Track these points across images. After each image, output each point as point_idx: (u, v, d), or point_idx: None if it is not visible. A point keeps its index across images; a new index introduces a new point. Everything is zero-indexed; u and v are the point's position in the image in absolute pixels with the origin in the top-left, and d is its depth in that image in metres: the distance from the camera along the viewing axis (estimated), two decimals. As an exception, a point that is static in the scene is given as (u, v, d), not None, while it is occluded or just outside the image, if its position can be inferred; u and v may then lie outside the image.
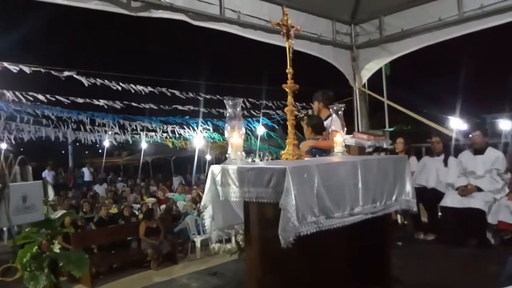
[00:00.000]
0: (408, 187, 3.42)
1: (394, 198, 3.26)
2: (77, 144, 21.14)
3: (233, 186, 2.73)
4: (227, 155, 2.96)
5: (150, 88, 11.39)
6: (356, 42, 7.46)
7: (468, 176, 5.83)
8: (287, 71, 3.25)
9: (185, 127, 16.79)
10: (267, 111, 15.58)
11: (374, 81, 8.25)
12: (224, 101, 3.08)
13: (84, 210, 10.25)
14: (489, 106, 19.61)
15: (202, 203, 2.94)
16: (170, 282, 5.64)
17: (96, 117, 14.44)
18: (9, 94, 10.62)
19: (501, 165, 5.65)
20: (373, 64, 7.51)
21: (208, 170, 2.96)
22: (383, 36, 7.00)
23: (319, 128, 4.49)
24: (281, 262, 2.56)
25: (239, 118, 3.03)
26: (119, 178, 23.27)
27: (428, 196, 5.96)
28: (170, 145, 19.60)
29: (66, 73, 9.52)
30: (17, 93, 10.84)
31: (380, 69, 8.48)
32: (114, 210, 9.79)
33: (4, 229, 9.00)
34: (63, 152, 29.17)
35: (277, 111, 15.53)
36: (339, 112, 3.83)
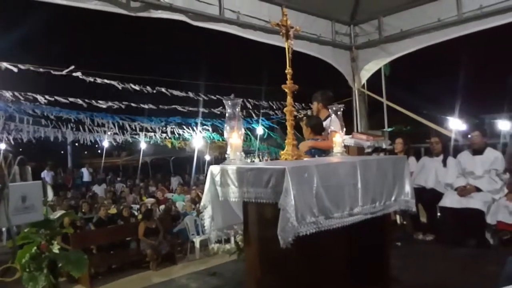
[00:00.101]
0: (407, 188, 3.42)
1: (393, 198, 3.26)
2: (76, 144, 21.16)
3: (232, 187, 2.73)
4: (226, 156, 2.97)
5: (149, 88, 11.39)
6: (355, 43, 7.46)
7: (467, 177, 5.84)
8: (286, 71, 3.26)
9: (184, 127, 16.79)
10: (267, 111, 15.59)
11: (373, 81, 8.26)
12: (224, 101, 3.08)
13: (83, 210, 10.24)
14: (488, 106, 19.64)
15: (201, 204, 2.94)
16: (169, 282, 5.63)
17: (95, 117, 14.43)
18: (8, 95, 10.61)
19: (500, 166, 5.67)
20: (372, 65, 7.51)
21: (207, 170, 2.96)
22: (383, 37, 7.01)
23: (318, 129, 4.50)
24: (280, 263, 2.56)
25: (239, 119, 3.03)
26: (118, 179, 23.25)
27: (427, 197, 5.96)
28: (169, 145, 19.60)
29: (65, 73, 9.52)
30: (16, 93, 10.83)
31: (379, 70, 8.48)
32: (113, 210, 9.78)
33: (3, 229, 8.99)
34: (62, 152, 29.14)
35: (276, 112, 15.54)
36: (338, 113, 3.83)
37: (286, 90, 3.25)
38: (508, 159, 5.95)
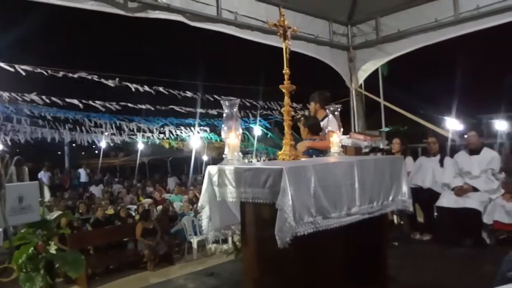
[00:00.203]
0: (404, 187, 3.43)
1: (390, 198, 3.27)
2: (74, 145, 21.12)
3: (230, 187, 2.73)
4: (224, 156, 2.97)
5: (147, 88, 11.37)
6: (352, 43, 7.48)
7: (464, 176, 5.86)
8: (283, 72, 3.26)
9: (182, 127, 16.78)
10: (264, 111, 15.59)
11: (371, 81, 8.28)
12: (221, 101, 3.08)
13: (80, 211, 10.22)
14: (485, 106, 19.72)
15: (199, 204, 2.94)
16: (167, 283, 5.63)
17: (92, 117, 14.40)
18: (5, 95, 10.58)
19: (497, 165, 5.68)
20: (370, 65, 7.53)
21: (205, 170, 2.96)
22: (380, 37, 7.03)
23: (315, 129, 4.50)
24: (277, 263, 2.56)
25: (236, 119, 3.03)
26: (116, 179, 23.20)
27: (424, 196, 5.98)
28: (167, 146, 19.59)
29: (62, 74, 9.50)
30: (13, 94, 10.80)
31: (377, 70, 8.51)
32: (110, 211, 9.75)
33: (0, 230, 8.96)
34: (59, 153, 29.07)
35: (273, 112, 15.55)
36: (336, 113, 3.84)
37: (284, 91, 3.25)
38: (504, 159, 5.98)
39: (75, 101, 11.91)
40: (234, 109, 3.04)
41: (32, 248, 2.98)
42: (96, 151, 27.11)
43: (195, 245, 8.52)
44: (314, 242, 2.52)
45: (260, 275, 2.71)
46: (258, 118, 16.31)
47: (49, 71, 9.44)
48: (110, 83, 10.18)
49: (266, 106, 14.88)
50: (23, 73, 8.85)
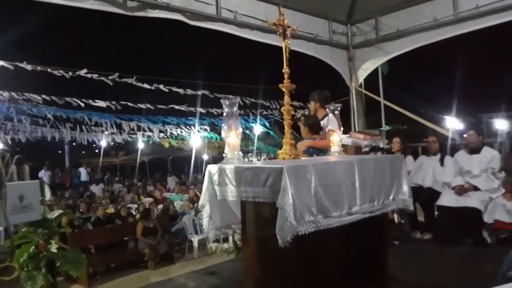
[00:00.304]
0: (405, 187, 3.43)
1: (391, 197, 3.27)
2: (74, 144, 21.11)
3: (230, 186, 2.73)
4: (224, 155, 2.97)
5: (147, 86, 11.35)
6: (352, 42, 7.47)
7: (464, 176, 5.86)
8: (283, 71, 3.26)
9: (182, 126, 16.78)
10: (264, 110, 15.59)
11: (371, 80, 8.28)
12: (221, 100, 3.08)
13: (81, 210, 10.23)
14: (485, 105, 19.69)
15: (199, 203, 2.95)
16: (168, 282, 5.64)
17: (93, 116, 14.40)
18: (5, 94, 10.59)
19: (497, 164, 5.68)
20: (369, 64, 7.53)
21: (205, 169, 2.97)
22: (379, 36, 7.02)
23: (316, 128, 4.51)
24: (278, 262, 2.56)
25: (236, 118, 3.03)
26: (116, 178, 23.22)
27: (425, 196, 5.98)
28: (167, 145, 19.58)
29: (62, 73, 9.50)
30: (13, 93, 10.80)
31: (377, 69, 8.51)
32: (111, 210, 9.77)
33: (1, 228, 8.97)
34: (59, 152, 29.07)
35: (273, 111, 15.55)
36: (336, 112, 3.84)
37: (284, 90, 3.26)
38: (504, 158, 5.98)
39: (75, 100, 11.90)
40: (234, 108, 3.04)
41: (33, 247, 2.99)
42: (97, 150, 27.10)
43: (195, 244, 8.53)
44: (314, 241, 2.52)
45: (261, 274, 2.71)
46: (258, 117, 16.31)
47: (49, 70, 9.44)
48: (109, 80, 10.17)
49: (266, 105, 14.87)
50: (24, 72, 8.85)
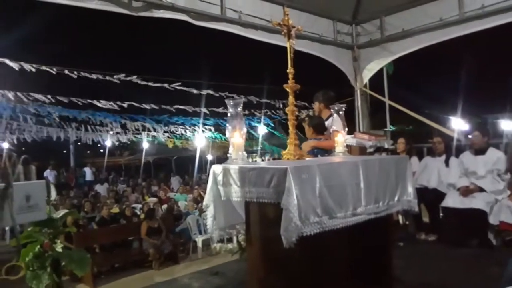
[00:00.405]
0: (410, 188, 3.42)
1: (396, 198, 3.26)
2: (79, 143, 21.19)
3: (235, 186, 2.73)
4: (228, 155, 2.97)
5: (152, 86, 11.37)
6: (357, 42, 7.45)
7: (470, 177, 5.82)
8: (288, 71, 3.26)
9: (187, 126, 16.81)
10: (268, 110, 15.59)
11: (376, 80, 8.25)
12: (226, 101, 3.08)
13: (85, 209, 10.28)
14: (491, 106, 19.60)
15: (204, 203, 2.95)
16: (172, 282, 5.64)
17: (98, 116, 14.45)
18: (10, 95, 10.65)
19: (502, 166, 5.65)
20: (374, 64, 7.51)
21: (209, 169, 2.97)
22: (384, 36, 7.00)
23: (320, 128, 4.50)
24: (282, 262, 2.56)
25: (241, 118, 3.03)
26: (121, 178, 23.30)
27: (430, 197, 5.95)
28: (171, 145, 19.60)
29: (67, 72, 9.55)
30: (19, 93, 10.86)
31: (382, 69, 8.48)
32: (115, 209, 9.81)
33: (7, 228, 9.03)
34: (64, 151, 29.22)
35: (277, 111, 15.55)
36: (340, 112, 3.83)
37: (288, 90, 3.25)
38: (510, 159, 5.93)
39: (81, 100, 11.96)
40: (239, 109, 3.05)
41: (38, 246, 3.00)
42: (102, 150, 27.21)
43: (199, 244, 8.54)
44: (319, 242, 2.52)
45: (265, 275, 2.71)
46: (263, 117, 16.31)
47: (54, 70, 9.49)
48: (115, 79, 10.20)
49: (270, 105, 14.87)
50: (29, 72, 8.91)
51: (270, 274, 2.69)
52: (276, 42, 5.72)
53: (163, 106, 13.93)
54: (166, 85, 11.72)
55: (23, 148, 16.30)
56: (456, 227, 5.57)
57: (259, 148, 19.71)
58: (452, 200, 5.71)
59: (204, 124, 16.54)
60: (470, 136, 6.49)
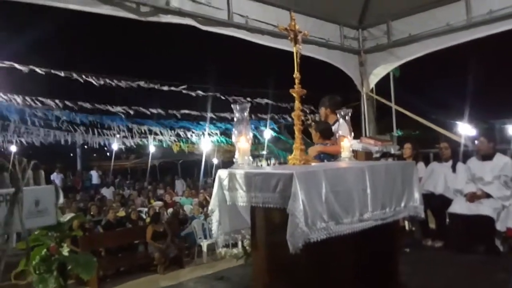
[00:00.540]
0: (416, 193, 3.40)
1: (402, 204, 3.24)
2: (86, 147, 21.34)
3: (240, 191, 2.74)
4: (234, 160, 2.98)
5: (158, 87, 11.42)
6: (363, 47, 7.45)
7: (477, 182, 5.78)
8: (294, 76, 3.26)
9: (193, 131, 16.87)
10: (275, 114, 15.63)
11: (382, 85, 8.23)
12: (232, 106, 3.09)
13: (91, 213, 10.32)
14: (498, 111, 19.44)
15: (209, 208, 2.96)
16: (177, 286, 5.64)
17: (104, 120, 14.55)
18: (19, 99, 10.76)
19: (509, 172, 5.60)
20: (381, 69, 7.50)
21: (215, 173, 2.98)
22: (391, 41, 6.99)
23: (327, 133, 4.49)
24: (287, 268, 2.55)
25: (247, 123, 3.04)
26: (127, 181, 23.38)
27: (436, 203, 5.91)
28: (177, 148, 19.64)
29: (75, 77, 9.63)
30: (27, 97, 10.97)
31: (388, 74, 8.46)
32: (121, 213, 9.84)
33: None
34: (71, 154, 29.40)
35: (284, 116, 15.57)
36: (346, 117, 3.83)
37: (294, 95, 3.26)
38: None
39: (88, 104, 12.06)
40: (245, 113, 3.05)
41: (45, 250, 3.02)
42: (108, 153, 27.34)
43: (205, 249, 8.54)
44: (325, 248, 2.51)
45: (270, 280, 2.70)
46: (268, 121, 16.33)
47: (62, 74, 9.58)
48: (123, 83, 10.29)
49: (276, 109, 14.92)
50: (37, 76, 9.00)
51: (275, 279, 2.68)
52: (283, 47, 5.73)
53: (169, 111, 14.01)
54: (173, 88, 11.78)
55: (31, 151, 16.44)
56: (463, 234, 5.52)
57: (265, 152, 19.72)
58: (459, 206, 5.67)
59: (210, 128, 16.59)
60: (476, 142, 6.45)
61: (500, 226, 5.37)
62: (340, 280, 2.98)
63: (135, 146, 19.75)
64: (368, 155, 4.83)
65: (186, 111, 14.27)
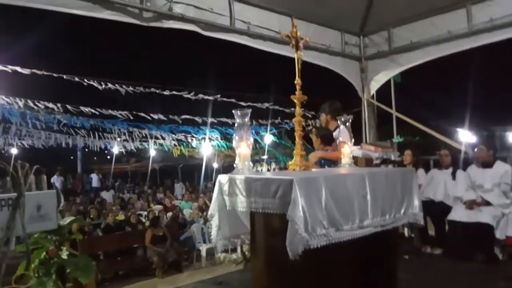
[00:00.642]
0: (416, 200, 3.40)
1: (402, 211, 3.23)
2: (86, 150, 21.34)
3: (240, 196, 2.73)
4: (234, 165, 2.98)
5: (159, 95, 11.45)
6: (365, 54, 7.48)
7: (476, 190, 5.78)
8: (295, 82, 3.27)
9: (193, 135, 16.88)
10: (275, 120, 15.65)
11: (383, 92, 8.25)
12: (233, 111, 3.10)
13: (91, 216, 10.30)
14: (498, 119, 19.45)
15: (209, 213, 2.96)
16: (175, 290, 5.64)
17: (105, 124, 14.57)
18: (20, 102, 10.78)
19: (509, 179, 5.60)
20: (382, 76, 7.53)
21: (215, 178, 2.98)
22: (392, 48, 7.02)
23: (328, 139, 4.50)
24: (286, 274, 2.55)
25: (248, 128, 3.04)
26: (127, 185, 23.38)
27: (436, 210, 5.91)
28: (177, 153, 19.64)
29: (77, 80, 9.66)
30: (28, 100, 11.00)
31: (389, 80, 8.48)
32: (121, 217, 9.82)
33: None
34: (72, 157, 29.41)
35: (284, 121, 15.60)
36: (347, 123, 3.83)
37: (295, 101, 3.27)
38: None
39: (89, 108, 12.08)
40: (246, 119, 3.06)
41: (44, 253, 3.02)
42: (108, 157, 27.35)
43: (204, 253, 8.51)
44: (324, 255, 2.51)
45: (269, 286, 2.70)
46: (269, 127, 16.35)
47: (64, 77, 9.60)
48: (124, 88, 10.31)
49: (277, 115, 14.94)
50: (39, 80, 9.02)
51: (274, 285, 2.68)
52: (284, 53, 5.76)
53: (171, 117, 14.04)
54: (175, 92, 11.81)
55: (31, 154, 16.45)
56: (462, 241, 5.51)
57: (265, 156, 19.71)
58: (459, 214, 5.67)
59: (210, 133, 16.61)
60: (475, 150, 6.46)
61: (499, 234, 5.37)
62: (339, 286, 2.98)
63: (135, 150, 19.76)
64: (368, 162, 4.84)
65: (188, 116, 14.29)
